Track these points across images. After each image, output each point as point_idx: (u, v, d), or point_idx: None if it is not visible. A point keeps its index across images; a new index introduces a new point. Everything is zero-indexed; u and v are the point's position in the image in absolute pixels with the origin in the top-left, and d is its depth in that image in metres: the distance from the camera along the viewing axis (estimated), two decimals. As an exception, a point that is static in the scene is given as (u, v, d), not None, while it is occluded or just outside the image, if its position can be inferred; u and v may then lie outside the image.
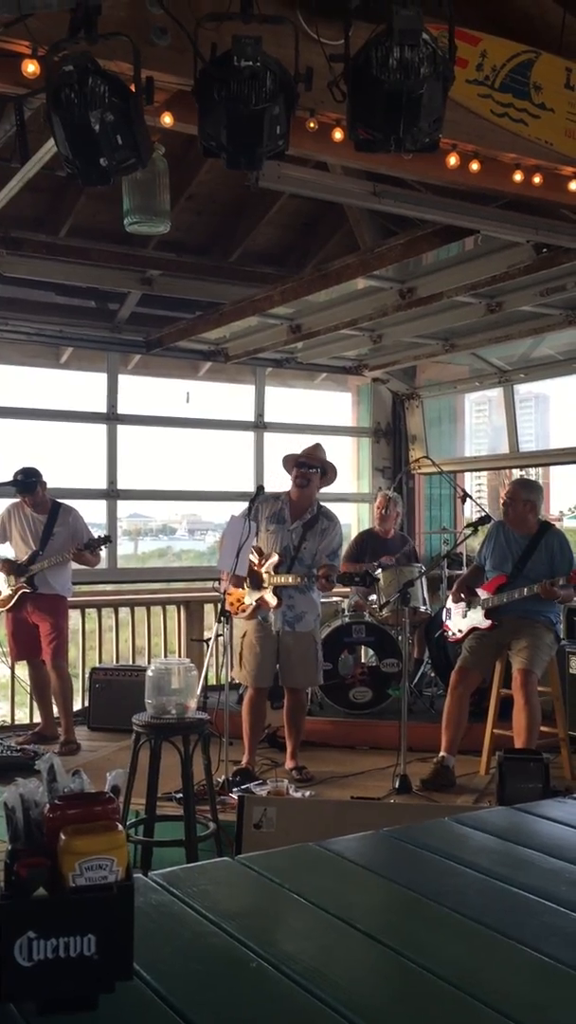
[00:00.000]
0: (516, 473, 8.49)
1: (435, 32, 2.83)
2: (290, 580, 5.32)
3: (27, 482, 6.06)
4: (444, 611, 5.93)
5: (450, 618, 5.72)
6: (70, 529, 6.11)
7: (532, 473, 8.48)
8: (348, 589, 7.30)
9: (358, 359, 8.38)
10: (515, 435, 8.01)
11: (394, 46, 2.71)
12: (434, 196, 4.38)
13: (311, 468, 5.52)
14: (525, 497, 5.49)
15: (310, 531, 5.45)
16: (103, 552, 6.32)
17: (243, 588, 5.44)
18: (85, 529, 6.16)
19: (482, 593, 5.47)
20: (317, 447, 5.71)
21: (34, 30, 2.76)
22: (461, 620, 5.57)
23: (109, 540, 6.09)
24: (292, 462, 5.62)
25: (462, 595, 5.55)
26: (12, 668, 6.60)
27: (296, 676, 5.48)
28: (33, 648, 6.14)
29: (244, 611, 5.44)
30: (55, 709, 6.28)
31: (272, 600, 5.32)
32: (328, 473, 5.63)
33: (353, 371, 8.56)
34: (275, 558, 5.40)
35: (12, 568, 6.10)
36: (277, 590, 5.34)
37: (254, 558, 5.44)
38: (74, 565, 6.19)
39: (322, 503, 5.68)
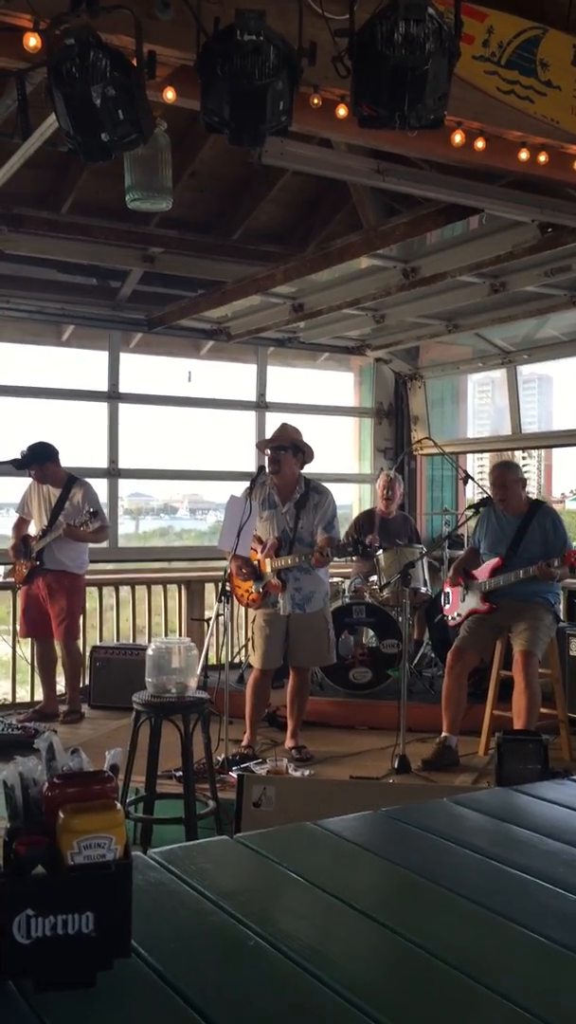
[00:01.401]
0: (518, 455, 8.47)
1: (441, 7, 2.80)
2: (288, 561, 5.32)
3: (32, 456, 6.08)
4: (442, 595, 5.94)
5: (448, 602, 5.73)
6: (74, 505, 6.12)
7: (534, 455, 8.46)
8: (350, 569, 7.33)
9: (361, 339, 8.34)
10: (518, 416, 7.98)
11: (399, 21, 2.68)
12: (438, 174, 4.34)
13: (280, 449, 5.48)
14: (515, 477, 5.52)
15: (303, 509, 5.45)
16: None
17: (248, 581, 5.45)
18: (85, 506, 6.14)
19: (479, 576, 5.48)
20: (284, 427, 5.66)
21: (36, 3, 2.73)
22: (460, 604, 5.58)
23: (94, 514, 6.08)
24: (263, 447, 5.62)
25: (460, 579, 5.56)
26: (14, 646, 6.63)
27: (305, 656, 5.50)
28: (40, 626, 6.17)
29: (254, 601, 5.45)
30: (60, 684, 6.33)
31: (278, 583, 5.33)
32: (304, 451, 5.53)
33: (356, 351, 8.52)
34: (273, 542, 5.40)
35: (20, 552, 6.14)
36: (281, 573, 5.34)
37: (254, 545, 5.44)
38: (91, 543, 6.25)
39: (321, 482, 5.67)
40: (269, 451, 5.52)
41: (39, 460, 6.10)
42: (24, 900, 1.31)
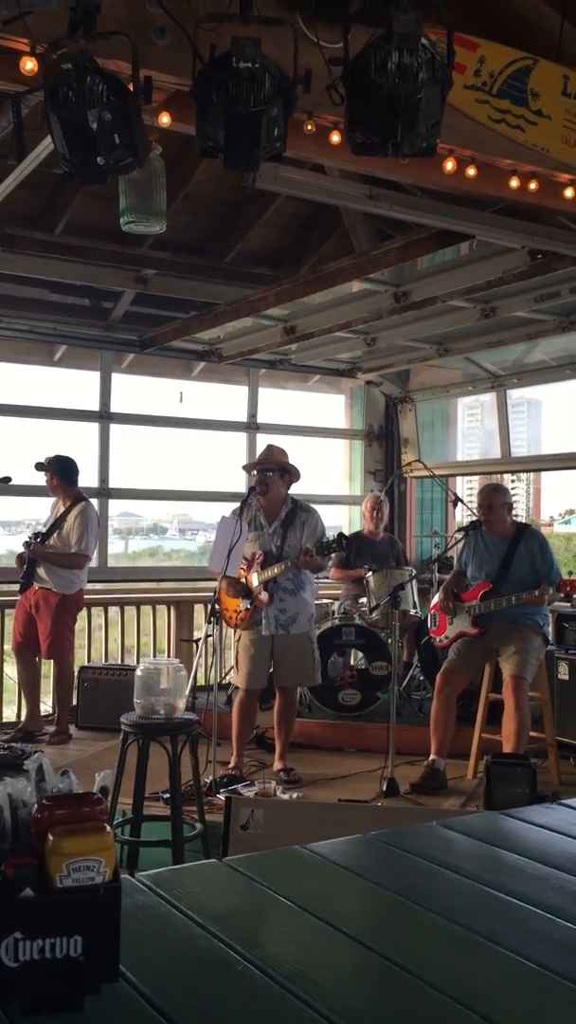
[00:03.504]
0: (507, 478, 8.51)
1: (434, 37, 2.84)
2: (275, 571, 5.32)
3: (51, 463, 6.25)
4: (429, 618, 5.95)
5: (435, 624, 5.73)
6: (68, 525, 6.14)
7: (523, 478, 8.51)
8: (339, 591, 7.33)
9: (352, 361, 8.38)
10: (507, 440, 8.03)
11: (393, 50, 2.71)
12: (430, 200, 4.39)
13: (267, 471, 5.50)
14: (503, 501, 5.58)
15: (290, 527, 5.47)
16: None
17: (237, 598, 5.45)
18: (74, 532, 6.14)
19: (467, 599, 5.49)
20: (270, 448, 5.67)
21: (33, 28, 2.75)
22: (448, 626, 5.59)
23: (42, 535, 6.17)
24: (250, 469, 5.64)
25: (448, 602, 5.57)
26: (0, 666, 6.61)
27: (290, 676, 5.49)
28: (27, 640, 6.17)
29: (242, 620, 5.44)
30: (48, 704, 6.32)
31: (265, 597, 5.33)
32: (290, 472, 5.55)
33: (347, 373, 8.57)
34: (260, 557, 5.40)
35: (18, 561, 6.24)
36: (268, 586, 5.34)
37: (242, 564, 5.44)
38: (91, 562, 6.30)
39: (311, 504, 5.69)
40: (256, 473, 5.53)
41: (53, 469, 6.24)
42: (12, 923, 1.30)
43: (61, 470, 6.23)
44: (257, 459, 5.67)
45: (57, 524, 6.19)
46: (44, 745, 6.00)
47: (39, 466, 6.22)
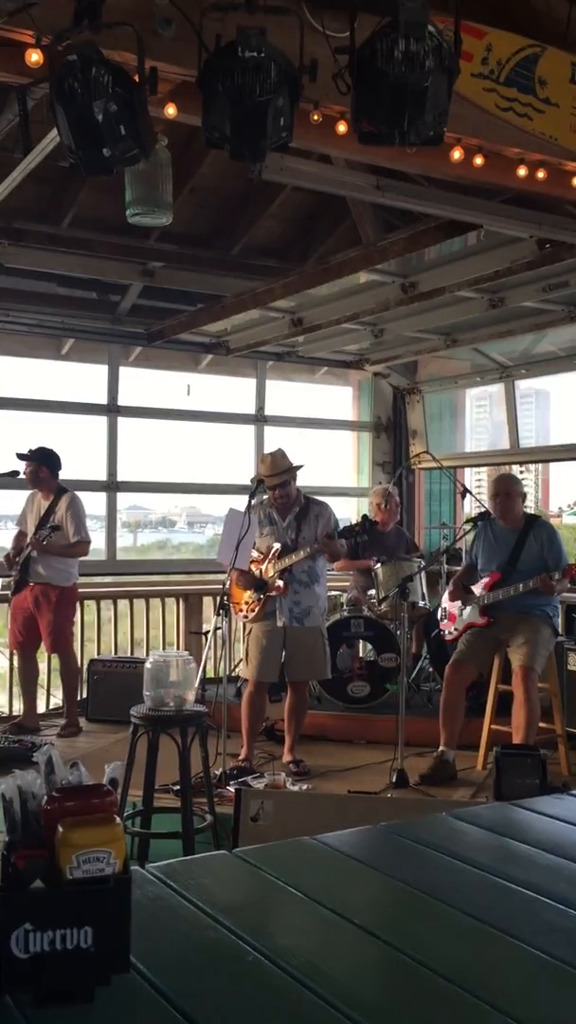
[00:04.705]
0: (515, 469, 8.49)
1: (441, 25, 2.82)
2: (294, 558, 5.32)
3: (35, 454, 6.12)
4: (440, 610, 5.94)
5: (446, 617, 5.73)
6: (59, 518, 6.10)
7: (532, 469, 8.48)
8: (347, 582, 7.33)
9: (359, 353, 8.36)
10: (515, 431, 8.00)
11: (399, 38, 2.70)
12: (437, 190, 4.37)
13: (284, 483, 5.47)
14: (517, 489, 5.57)
15: (304, 520, 5.47)
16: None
17: (249, 590, 5.44)
18: (70, 522, 6.11)
19: (477, 590, 5.48)
20: (275, 461, 5.55)
21: (38, 19, 2.74)
22: (458, 618, 5.59)
23: (55, 529, 6.07)
24: (268, 484, 5.51)
25: (458, 594, 5.56)
26: (11, 658, 6.62)
27: (302, 670, 5.50)
28: (26, 637, 6.15)
29: (253, 611, 5.44)
30: (57, 698, 6.31)
31: (281, 584, 5.33)
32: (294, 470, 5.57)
33: (354, 365, 8.55)
34: (277, 549, 5.40)
35: (11, 563, 6.14)
36: (285, 574, 5.33)
37: (256, 557, 5.44)
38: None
39: (321, 497, 5.68)
40: (271, 491, 5.49)
41: (38, 460, 6.14)
42: (22, 914, 1.31)
43: (50, 461, 6.15)
44: (269, 473, 5.54)
45: (46, 517, 6.15)
46: (54, 737, 6.01)
47: (23, 456, 6.09)
